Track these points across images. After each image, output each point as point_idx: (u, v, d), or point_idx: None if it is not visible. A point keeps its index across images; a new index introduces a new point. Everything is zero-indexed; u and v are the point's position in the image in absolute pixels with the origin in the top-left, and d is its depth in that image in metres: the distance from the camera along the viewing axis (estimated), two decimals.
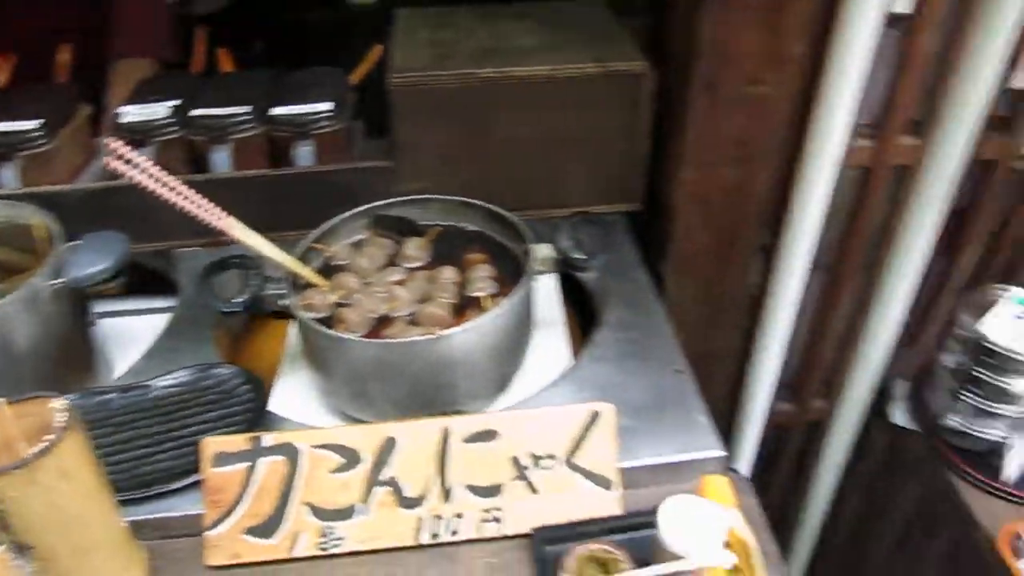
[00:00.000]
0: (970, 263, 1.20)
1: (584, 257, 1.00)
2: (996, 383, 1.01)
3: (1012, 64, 1.03)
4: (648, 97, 1.12)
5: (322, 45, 1.53)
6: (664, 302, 1.24)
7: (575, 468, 0.84)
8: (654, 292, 1.09)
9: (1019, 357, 0.98)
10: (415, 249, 1.06)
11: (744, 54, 1.01)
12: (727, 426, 1.35)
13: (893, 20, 0.82)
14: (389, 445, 0.83)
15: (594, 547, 0.74)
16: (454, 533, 0.82)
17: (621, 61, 1.10)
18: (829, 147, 0.95)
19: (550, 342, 1.07)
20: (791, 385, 1.44)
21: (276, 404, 0.99)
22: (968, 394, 1.05)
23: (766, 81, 1.04)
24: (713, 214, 1.15)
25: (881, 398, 1.25)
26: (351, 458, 0.83)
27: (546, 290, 1.15)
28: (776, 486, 1.54)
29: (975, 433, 1.07)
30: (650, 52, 1.13)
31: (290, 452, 0.83)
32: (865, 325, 1.19)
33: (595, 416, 0.85)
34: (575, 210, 1.17)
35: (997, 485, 1.04)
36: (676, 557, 0.70)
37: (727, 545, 0.76)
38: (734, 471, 0.91)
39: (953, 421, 1.08)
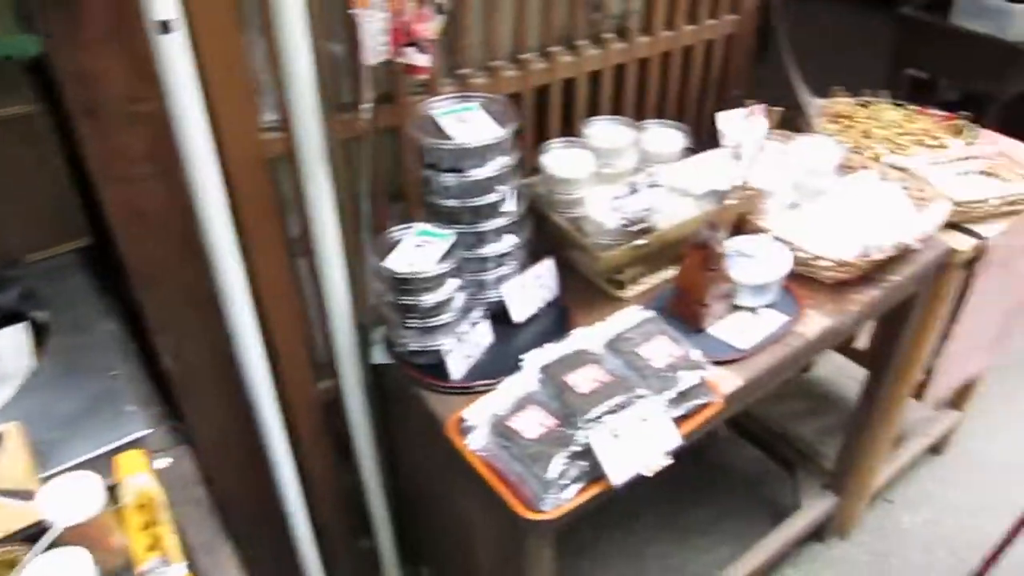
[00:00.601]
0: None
1: None
2: (416, 303, 1.21)
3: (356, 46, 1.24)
4: (48, 135, 1.16)
5: None
6: (148, 318, 1.29)
7: None
8: (105, 313, 1.14)
9: (419, 276, 1.19)
10: None
11: (111, 76, 1.09)
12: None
13: (164, 27, 0.95)
14: None
15: None
16: None
17: (8, 107, 1.13)
18: (196, 146, 1.07)
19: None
20: (327, 364, 1.58)
21: None
22: (408, 320, 1.25)
23: (149, 98, 1.13)
24: (158, 227, 1.22)
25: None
26: None
27: (13, 344, 1.14)
28: (350, 460, 1.67)
29: (425, 349, 1.26)
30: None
31: None
32: (328, 294, 1.35)
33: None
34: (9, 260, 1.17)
35: (449, 385, 1.25)
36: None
37: (138, 505, 0.83)
38: (185, 441, 0.99)
39: (410, 346, 1.27)
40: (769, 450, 2.20)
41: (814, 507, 1.97)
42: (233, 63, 1.14)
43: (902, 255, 1.43)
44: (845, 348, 2.27)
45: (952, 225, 1.55)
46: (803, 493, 2.02)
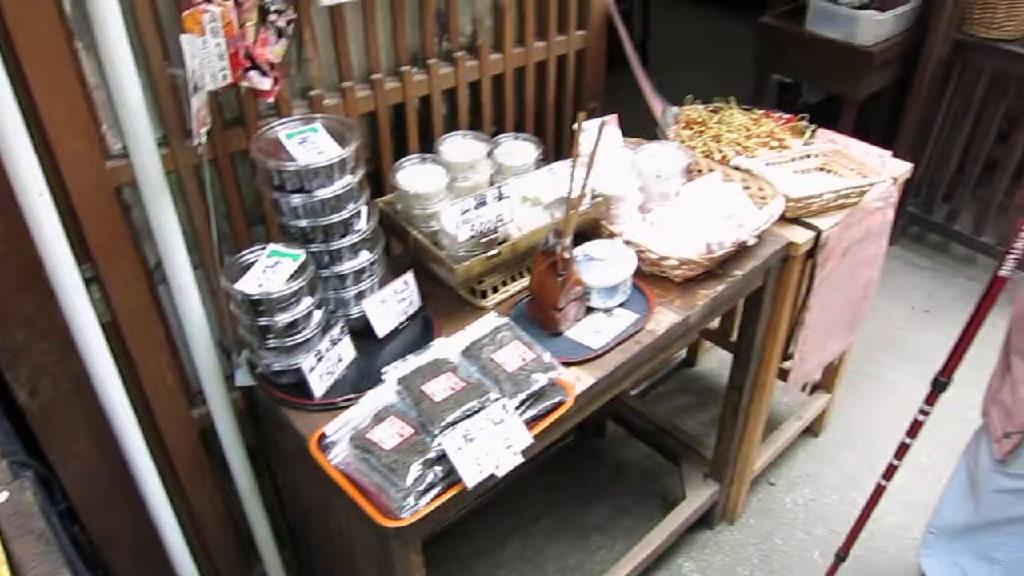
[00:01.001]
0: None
1: None
2: (271, 324, 1.23)
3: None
4: None
5: None
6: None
7: None
8: None
9: (270, 296, 1.20)
10: None
11: None
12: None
13: None
14: None
15: None
16: None
17: None
18: (25, 177, 1.06)
19: None
20: (200, 393, 1.57)
21: None
22: (267, 341, 1.26)
23: None
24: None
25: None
26: None
27: None
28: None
29: (287, 368, 1.28)
30: None
31: None
32: (185, 320, 1.35)
33: None
34: None
35: (312, 402, 1.26)
36: None
37: None
38: (35, 475, 0.98)
39: (272, 366, 1.28)
40: (657, 445, 2.29)
41: (698, 497, 2.05)
42: (68, 92, 1.14)
43: (743, 250, 1.52)
44: (723, 341, 2.39)
45: (792, 220, 1.66)
46: (688, 484, 2.10)
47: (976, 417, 1.68)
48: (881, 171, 1.78)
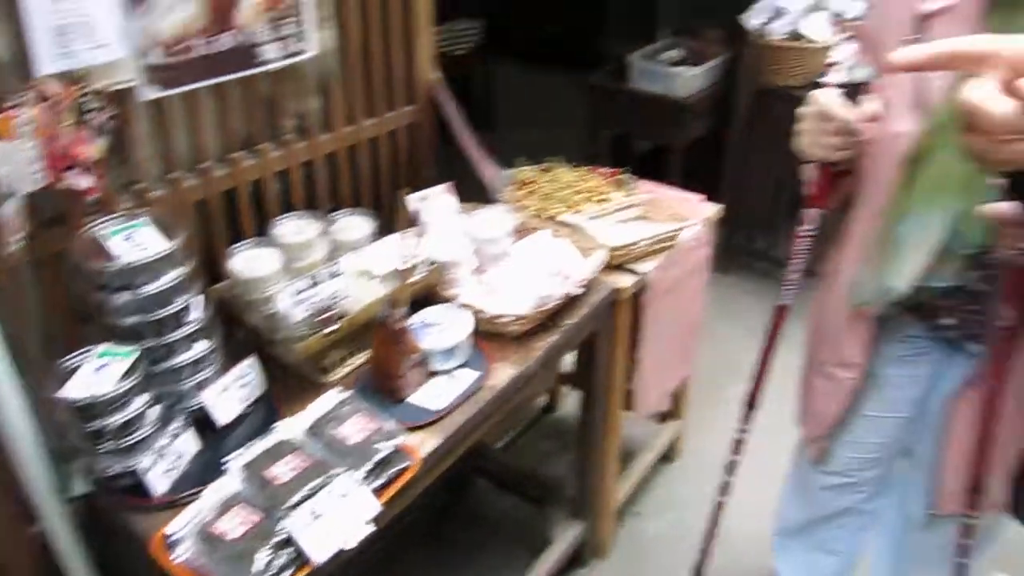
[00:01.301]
0: None
1: None
2: (104, 427, 1.21)
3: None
4: None
5: None
6: None
7: None
8: None
9: (100, 400, 1.19)
10: None
11: None
12: None
13: None
14: None
15: None
16: None
17: None
18: None
19: None
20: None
21: None
22: (101, 445, 1.23)
23: None
24: None
25: None
26: None
27: None
28: None
29: (126, 470, 1.25)
30: None
31: None
32: (8, 432, 1.29)
33: None
34: None
35: (153, 502, 1.24)
36: None
37: None
38: None
39: (109, 470, 1.25)
40: (523, 493, 2.35)
41: (564, 537, 2.13)
42: None
43: (572, 301, 1.63)
44: (581, 383, 2.50)
45: (617, 267, 1.80)
46: (555, 527, 2.18)
47: None
48: (694, 214, 1.96)
